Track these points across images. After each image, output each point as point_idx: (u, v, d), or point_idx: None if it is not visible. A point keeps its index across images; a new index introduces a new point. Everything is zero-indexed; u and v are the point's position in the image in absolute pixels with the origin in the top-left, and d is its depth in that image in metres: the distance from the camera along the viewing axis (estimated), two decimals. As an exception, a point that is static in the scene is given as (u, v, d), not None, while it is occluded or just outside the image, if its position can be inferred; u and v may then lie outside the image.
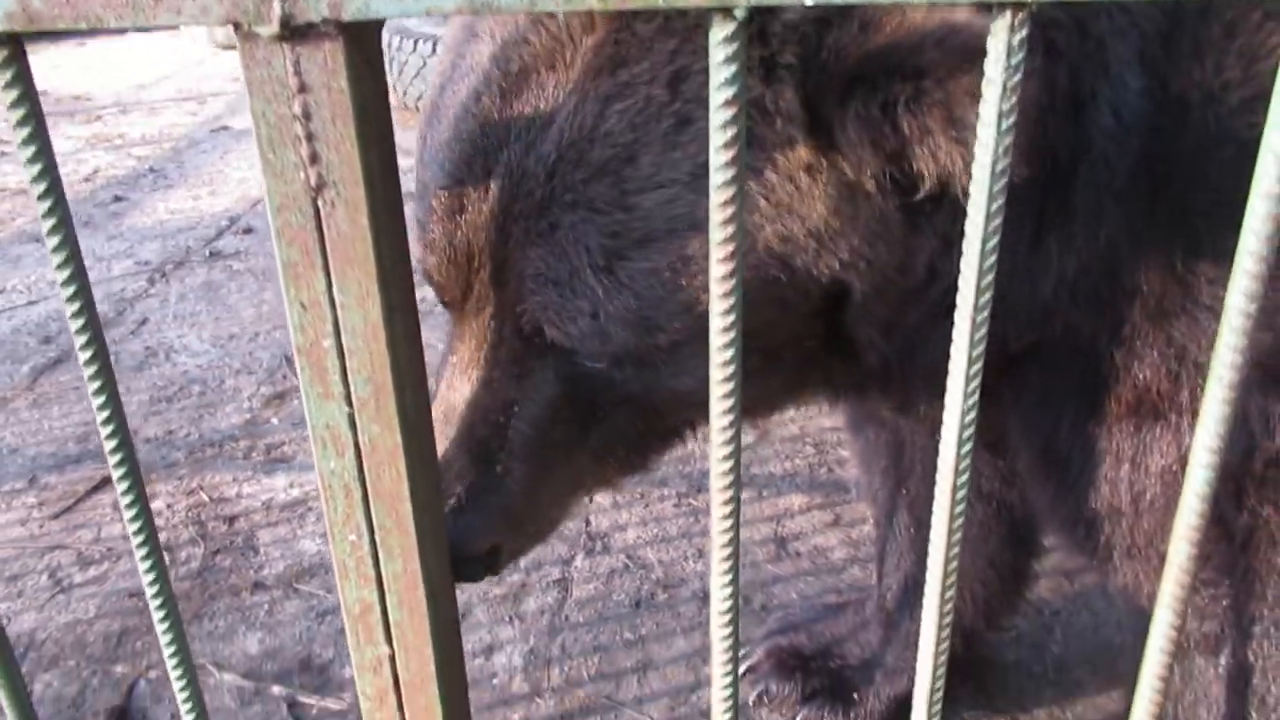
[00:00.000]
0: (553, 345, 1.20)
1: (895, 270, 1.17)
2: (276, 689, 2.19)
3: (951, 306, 0.94)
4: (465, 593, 2.50)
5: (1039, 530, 2.11)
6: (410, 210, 1.21)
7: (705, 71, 1.03)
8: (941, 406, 0.84)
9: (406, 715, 1.08)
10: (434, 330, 2.70)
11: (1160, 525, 1.34)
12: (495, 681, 2.22)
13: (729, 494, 0.91)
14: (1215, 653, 1.44)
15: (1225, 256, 1.24)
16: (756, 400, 1.26)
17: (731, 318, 0.80)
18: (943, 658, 1.01)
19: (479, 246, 1.17)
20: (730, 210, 0.71)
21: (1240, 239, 0.71)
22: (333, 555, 1.00)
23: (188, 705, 1.12)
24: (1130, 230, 1.21)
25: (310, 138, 0.81)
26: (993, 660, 2.23)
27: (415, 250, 1.24)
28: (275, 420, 3.27)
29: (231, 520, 2.78)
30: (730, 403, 0.85)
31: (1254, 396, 1.24)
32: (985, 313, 0.79)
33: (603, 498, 2.90)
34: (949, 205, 1.11)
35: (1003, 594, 2.14)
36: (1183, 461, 1.27)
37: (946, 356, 0.81)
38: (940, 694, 1.04)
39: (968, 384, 0.85)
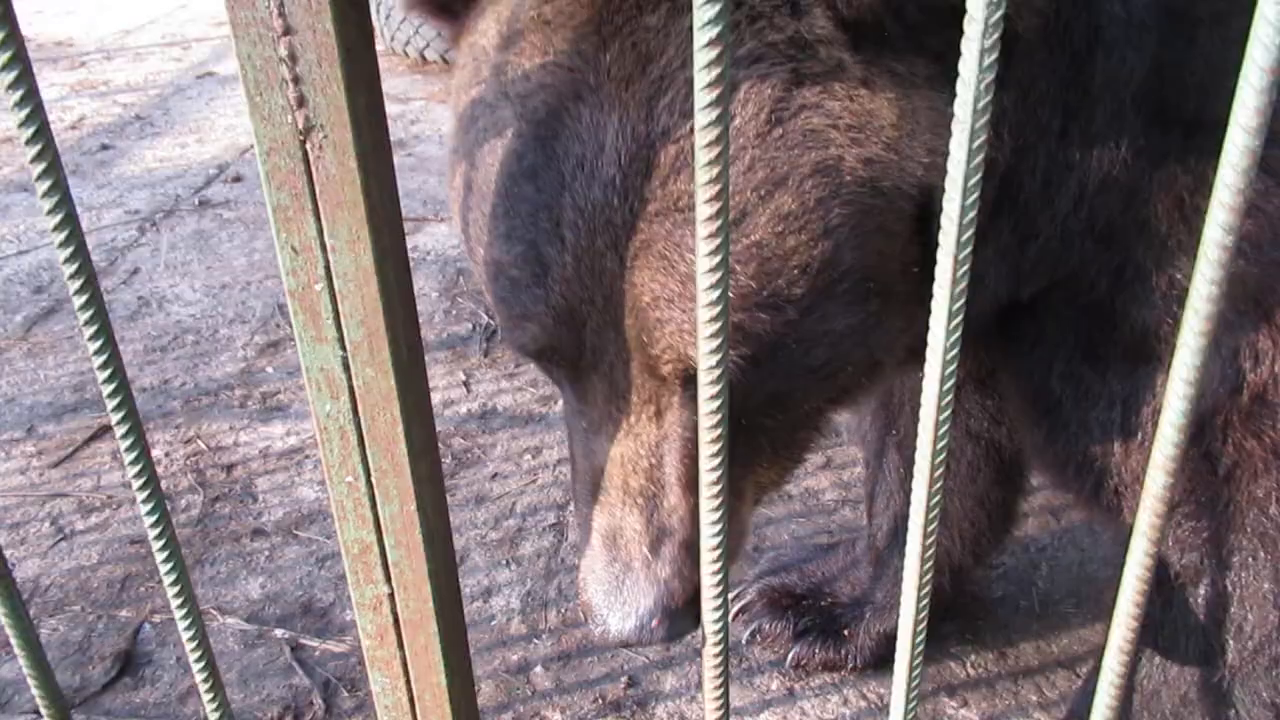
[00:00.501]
0: (686, 369, 1.13)
1: None
2: (279, 632, 2.23)
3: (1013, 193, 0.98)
4: (463, 537, 2.53)
5: (1026, 469, 2.14)
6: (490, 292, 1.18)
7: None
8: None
9: (407, 652, 1.11)
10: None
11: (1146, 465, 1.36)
12: (493, 624, 2.26)
13: (717, 433, 0.92)
14: (1195, 584, 1.47)
15: None
16: (883, 348, 1.24)
17: (719, 240, 0.81)
18: (926, 590, 1.03)
19: (579, 299, 1.11)
20: (716, 150, 0.72)
21: (1218, 172, 0.72)
22: (330, 497, 1.02)
23: (193, 645, 1.15)
24: (1148, 150, 1.20)
25: (297, 80, 0.81)
26: (980, 597, 2.27)
27: (510, 331, 1.18)
28: (270, 369, 3.28)
29: (230, 468, 2.81)
30: (717, 343, 0.86)
31: (1244, 331, 1.26)
32: (970, 232, 0.79)
33: (597, 442, 2.92)
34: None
35: (991, 532, 2.17)
36: None
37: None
38: (924, 626, 1.06)
39: (951, 303, 0.86)
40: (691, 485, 1.20)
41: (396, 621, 1.09)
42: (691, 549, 1.21)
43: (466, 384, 3.22)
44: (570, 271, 1.10)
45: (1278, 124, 0.73)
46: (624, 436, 1.21)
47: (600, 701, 2.05)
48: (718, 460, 0.88)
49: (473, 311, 3.68)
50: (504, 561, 2.45)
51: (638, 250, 1.06)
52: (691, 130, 1.04)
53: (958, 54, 0.69)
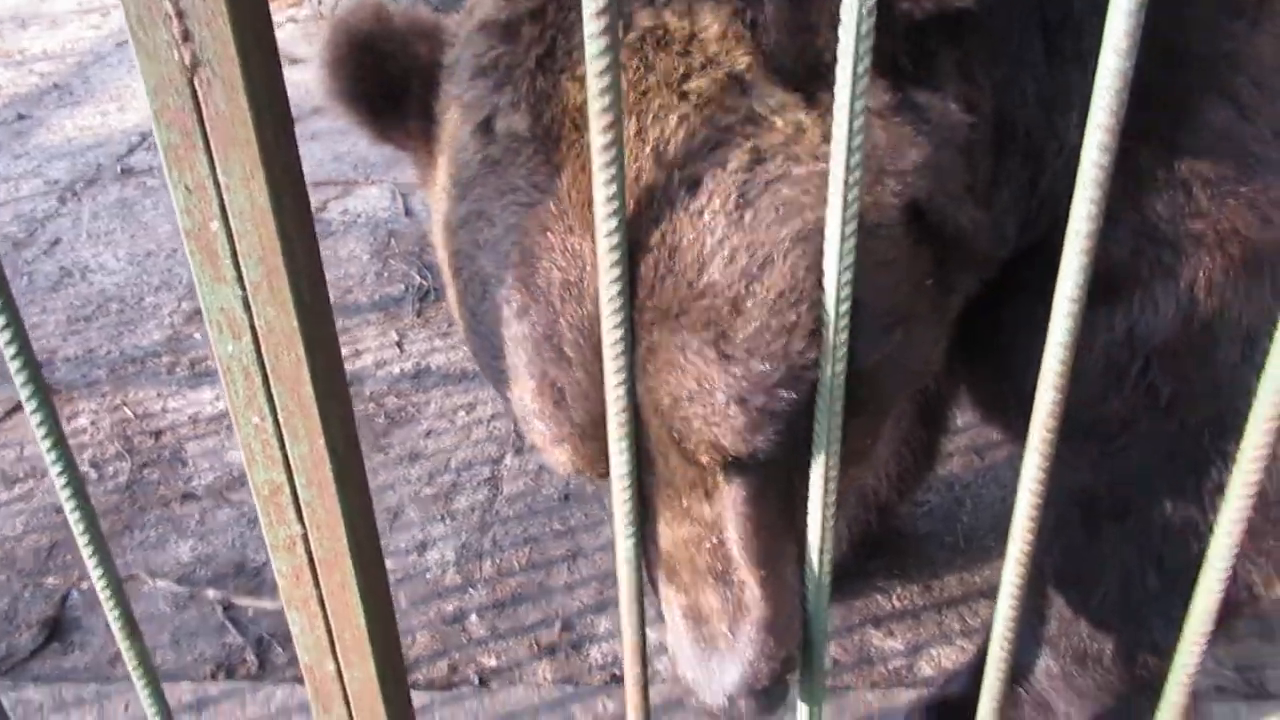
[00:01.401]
0: (724, 455, 1.11)
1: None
2: (211, 593, 2.22)
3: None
4: (397, 494, 2.54)
5: (951, 410, 2.20)
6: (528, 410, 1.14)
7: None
8: None
9: (323, 591, 1.12)
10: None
11: (1092, 397, 1.38)
12: (429, 576, 2.28)
13: (621, 391, 0.95)
14: (1123, 516, 1.52)
15: (1207, 130, 1.24)
16: (920, 364, 1.26)
17: (614, 190, 0.82)
18: (831, 510, 1.06)
19: (600, 411, 1.07)
20: (612, 153, 0.73)
21: (1093, 94, 0.75)
22: (238, 439, 1.03)
23: (113, 608, 1.15)
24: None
25: (181, 15, 0.81)
26: (907, 533, 2.34)
27: (547, 456, 1.17)
28: (198, 335, 3.23)
29: (158, 434, 2.78)
30: (620, 302, 0.88)
31: (1201, 262, 1.28)
32: (858, 155, 0.82)
33: (531, 398, 2.94)
34: None
35: (915, 470, 2.23)
36: (1128, 335, 1.33)
37: None
38: (829, 551, 1.10)
39: (843, 244, 0.89)
40: (757, 560, 1.19)
41: (312, 561, 1.10)
42: (771, 626, 1.19)
43: (400, 344, 3.21)
44: (585, 388, 1.09)
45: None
46: (682, 520, 1.20)
47: (535, 646, 2.08)
48: (623, 420, 0.90)
49: (405, 273, 3.65)
50: (439, 516, 2.46)
51: (644, 358, 1.06)
52: (664, 237, 1.03)
53: (905, 71, 0.70)
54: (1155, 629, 1.58)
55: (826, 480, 1.01)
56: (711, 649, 1.20)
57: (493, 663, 2.04)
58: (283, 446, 1.02)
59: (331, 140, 5.02)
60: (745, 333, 1.04)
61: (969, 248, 1.23)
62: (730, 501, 1.16)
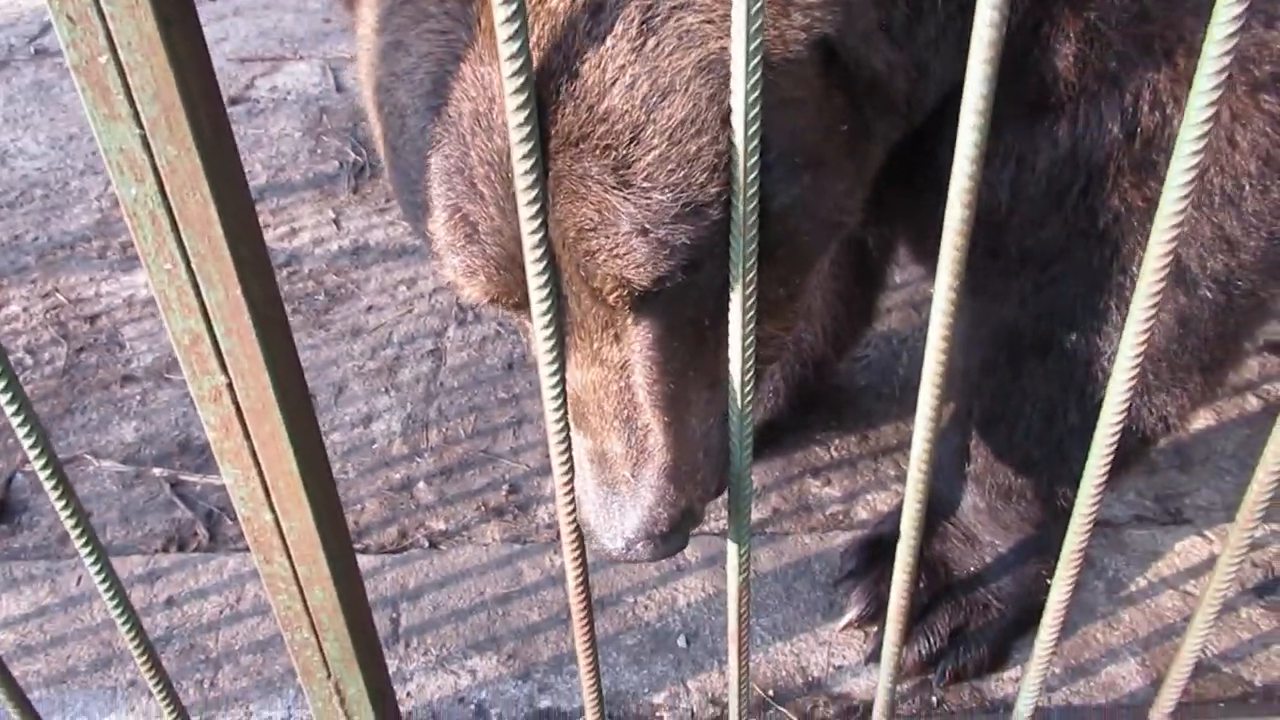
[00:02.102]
0: (630, 292, 1.11)
1: None
2: (157, 471, 2.22)
3: None
4: (340, 369, 2.54)
5: (887, 266, 2.21)
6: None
7: None
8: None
9: (254, 441, 1.12)
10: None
11: (1031, 221, 1.40)
12: (375, 447, 2.29)
13: (541, 267, 0.94)
14: (1045, 351, 1.54)
15: None
16: (835, 213, 1.22)
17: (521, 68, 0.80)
18: (750, 353, 1.07)
19: (513, 245, 1.09)
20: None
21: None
22: (153, 288, 1.01)
23: (53, 486, 1.14)
24: None
25: None
26: (845, 387, 2.38)
27: (461, 290, 1.16)
28: (128, 218, 3.15)
29: (93, 319, 2.73)
30: (526, 131, 0.87)
31: (1146, 73, 1.27)
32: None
33: (473, 271, 2.92)
34: None
35: (851, 326, 2.26)
36: (1071, 152, 1.32)
37: None
38: (750, 393, 1.12)
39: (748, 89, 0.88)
40: (662, 404, 1.20)
41: (239, 411, 1.10)
42: (671, 472, 1.21)
43: (336, 221, 3.16)
44: (497, 222, 1.09)
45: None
46: (592, 363, 1.20)
47: (483, 508, 2.12)
48: (546, 307, 0.90)
49: (339, 149, 3.57)
50: (383, 389, 2.47)
51: (551, 188, 1.05)
52: (568, 62, 1.01)
53: None
54: (1076, 462, 1.63)
55: (745, 321, 1.02)
56: (613, 494, 1.22)
57: (441, 526, 2.08)
58: (198, 293, 1.01)
59: (255, 15, 4.83)
60: (645, 161, 1.03)
61: (886, 92, 1.22)
62: (638, 344, 1.17)
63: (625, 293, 1.10)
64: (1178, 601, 1.89)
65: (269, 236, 3.08)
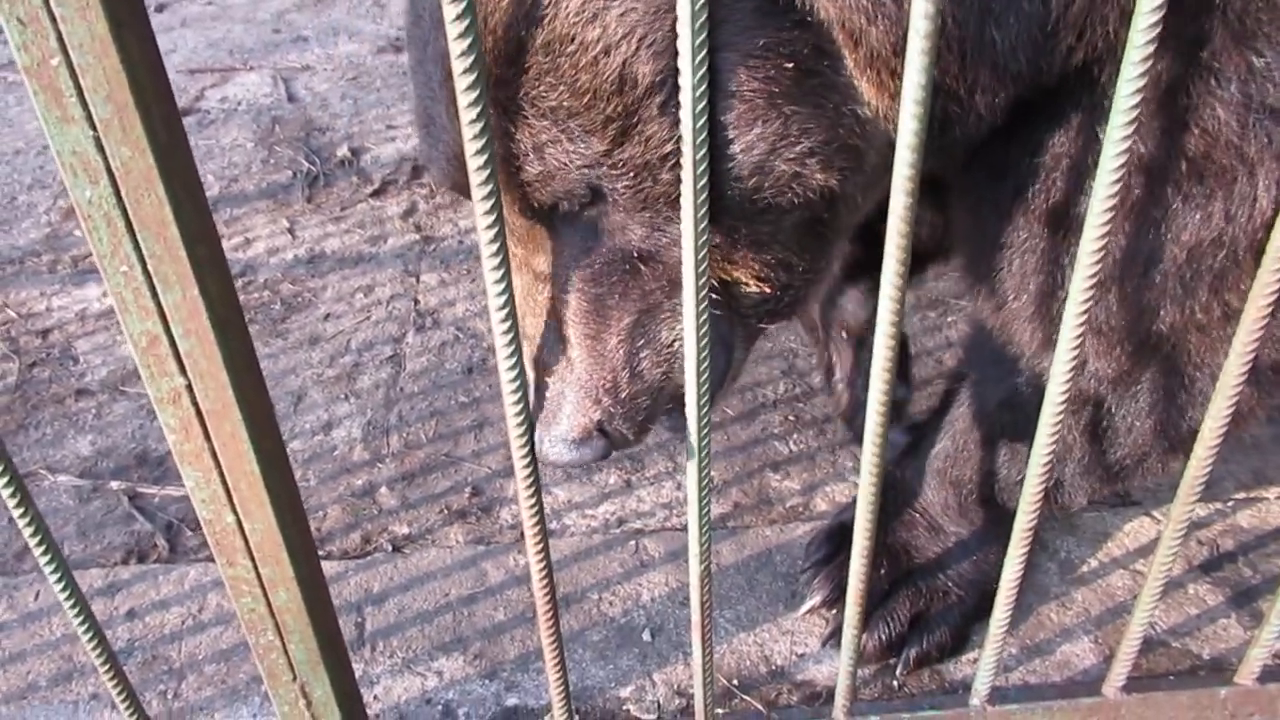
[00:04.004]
0: (554, 204, 1.17)
1: None
2: (115, 484, 2.20)
3: None
4: (299, 378, 2.53)
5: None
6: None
7: None
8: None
9: (214, 443, 1.13)
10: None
11: (1148, 306, 1.25)
12: (335, 454, 2.29)
13: (499, 275, 0.95)
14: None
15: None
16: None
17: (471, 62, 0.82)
18: (705, 376, 1.10)
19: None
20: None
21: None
22: (109, 291, 1.01)
23: (14, 501, 1.14)
24: None
25: None
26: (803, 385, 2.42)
27: (428, 174, 1.27)
28: (78, 232, 3.12)
29: (45, 333, 2.70)
30: (488, 187, 0.88)
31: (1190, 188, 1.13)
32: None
33: (430, 277, 2.92)
34: None
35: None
36: (1220, 233, 1.13)
37: None
38: (707, 394, 1.14)
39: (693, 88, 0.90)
40: (580, 321, 1.25)
41: (199, 413, 1.10)
42: (584, 384, 1.27)
43: (291, 230, 3.14)
44: (449, 119, 1.13)
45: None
46: (521, 269, 1.25)
47: (446, 511, 2.12)
48: (505, 313, 0.91)
49: (292, 158, 3.55)
50: (342, 396, 2.46)
51: (492, 94, 1.07)
52: None
53: None
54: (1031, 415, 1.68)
55: (697, 261, 1.02)
56: (538, 396, 1.31)
57: (405, 530, 2.08)
58: (155, 295, 1.01)
59: (204, 26, 4.80)
60: (532, 82, 1.07)
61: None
62: (558, 258, 1.23)
63: (531, 208, 1.17)
64: (1128, 580, 1.94)
65: (223, 248, 3.05)
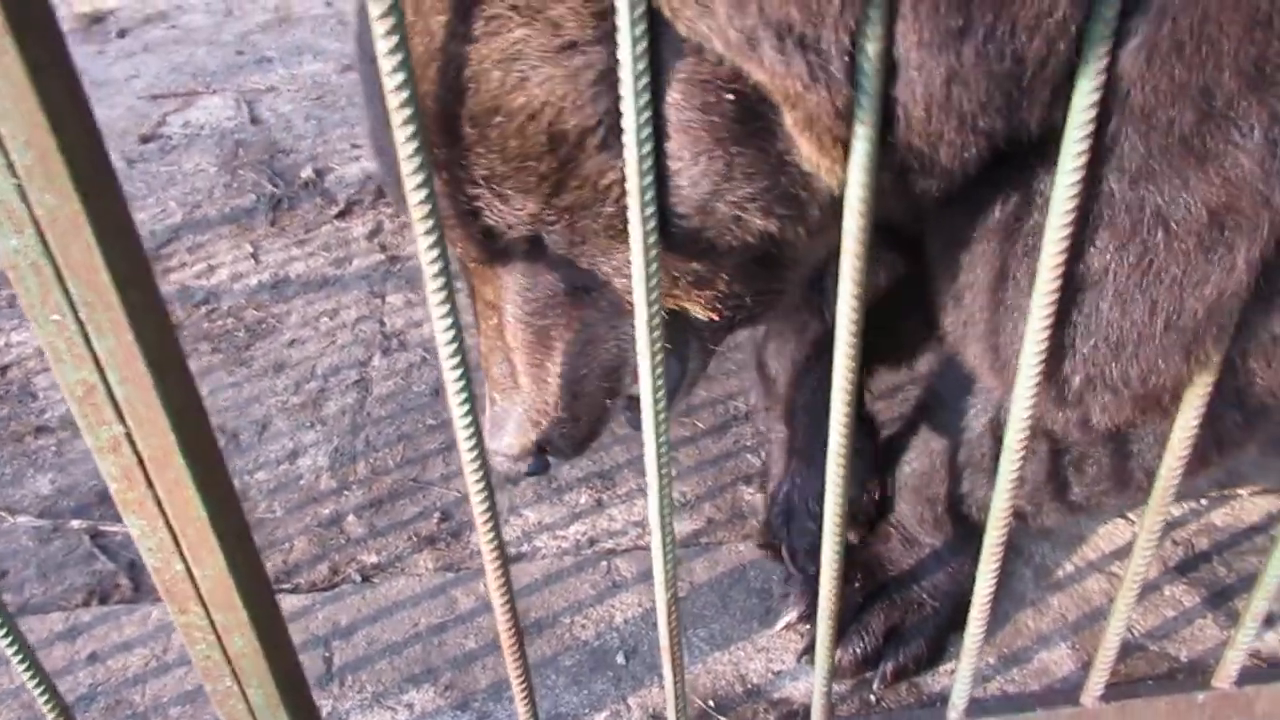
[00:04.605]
0: (501, 250, 1.21)
1: None
2: (76, 523, 2.16)
3: None
4: (264, 406, 2.49)
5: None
6: None
7: None
8: None
9: (158, 490, 1.10)
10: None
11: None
12: (301, 483, 2.25)
13: (442, 295, 0.93)
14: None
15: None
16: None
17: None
18: (658, 361, 1.08)
19: None
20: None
21: None
22: (41, 342, 0.98)
23: None
24: None
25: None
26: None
27: (385, 180, 1.29)
28: (37, 264, 3.07)
29: (3, 370, 2.65)
30: (424, 192, 0.86)
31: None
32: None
33: (396, 298, 2.89)
34: None
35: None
36: (1238, 286, 1.08)
37: None
38: (665, 426, 1.12)
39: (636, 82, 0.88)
40: (523, 347, 1.31)
41: (141, 461, 1.07)
42: (527, 405, 1.36)
43: (255, 255, 3.11)
44: (385, 142, 1.15)
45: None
46: (474, 296, 1.33)
47: (415, 538, 2.09)
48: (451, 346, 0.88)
49: (255, 182, 3.51)
50: (308, 423, 2.43)
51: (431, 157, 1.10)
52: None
53: None
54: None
55: (648, 290, 1.00)
56: (489, 413, 1.41)
57: (373, 559, 2.05)
58: (88, 343, 0.98)
59: (166, 50, 4.76)
60: (478, 150, 1.07)
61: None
62: (502, 289, 1.27)
63: (471, 252, 1.21)
64: (1104, 584, 1.94)
65: (185, 275, 3.02)
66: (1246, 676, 1.62)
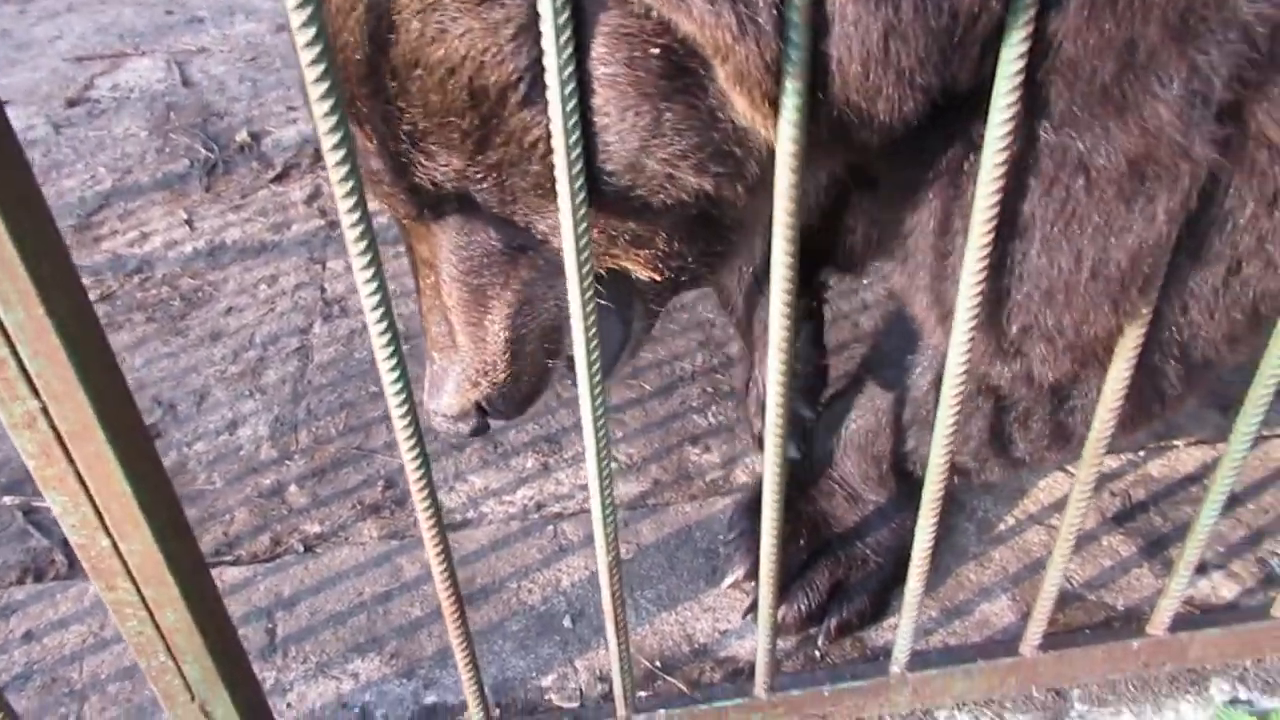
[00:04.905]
0: (404, 207, 1.19)
1: None
2: (8, 499, 2.11)
3: None
4: (201, 376, 2.44)
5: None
6: None
7: None
8: None
9: (79, 465, 1.06)
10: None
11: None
12: (242, 454, 2.21)
13: (370, 276, 0.90)
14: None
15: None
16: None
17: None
18: (593, 332, 1.06)
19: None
20: None
21: None
22: (-56, 314, 0.94)
23: None
24: None
25: None
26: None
27: None
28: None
29: (-72, 343, 2.56)
30: (344, 168, 0.83)
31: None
32: None
33: (337, 263, 2.84)
34: None
35: None
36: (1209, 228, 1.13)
37: None
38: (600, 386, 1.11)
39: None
40: (458, 306, 1.29)
41: (58, 435, 1.04)
42: (462, 365, 1.34)
43: (189, 222, 3.03)
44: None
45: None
46: (416, 261, 1.30)
47: (359, 507, 2.07)
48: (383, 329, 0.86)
49: (189, 147, 3.42)
50: (248, 392, 2.38)
51: (354, 111, 1.08)
52: None
53: None
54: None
55: (579, 249, 0.98)
56: (430, 368, 1.40)
57: (316, 529, 2.02)
58: (-4, 315, 0.94)
59: (92, 10, 4.61)
60: (399, 104, 1.04)
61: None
62: (436, 248, 1.25)
63: (401, 209, 1.18)
64: (1044, 536, 1.97)
65: (117, 243, 2.94)
66: (1180, 623, 1.66)
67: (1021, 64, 0.91)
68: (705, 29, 0.92)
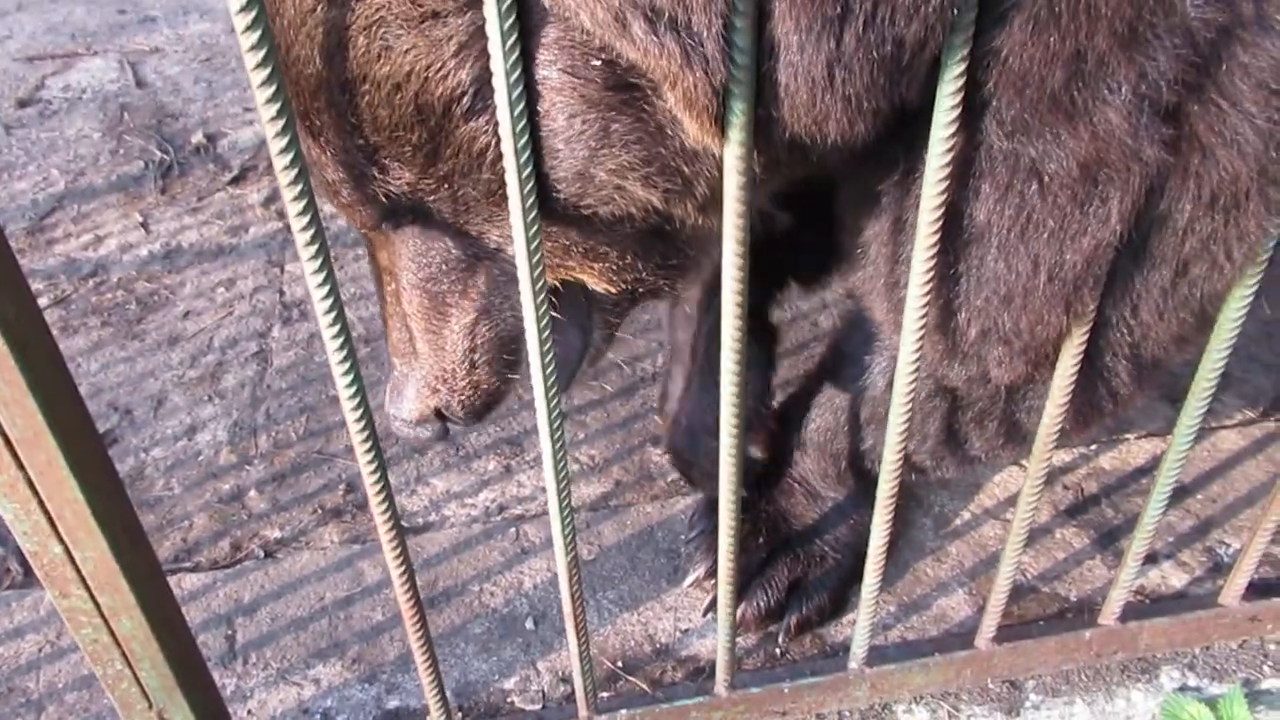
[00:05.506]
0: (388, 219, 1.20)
1: None
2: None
3: None
4: (158, 380, 2.41)
5: None
6: None
7: None
8: None
9: (30, 472, 1.05)
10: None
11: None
12: (200, 459, 2.20)
13: (322, 277, 0.91)
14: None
15: None
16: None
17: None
18: (546, 335, 1.07)
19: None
20: None
21: None
22: (-111, 320, 0.93)
23: None
24: None
25: None
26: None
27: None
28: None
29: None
30: (293, 174, 0.83)
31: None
32: None
33: (295, 266, 2.82)
34: None
35: None
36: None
37: None
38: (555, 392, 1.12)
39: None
40: (418, 314, 1.31)
41: (8, 442, 1.03)
42: (422, 372, 1.36)
43: (145, 225, 3.00)
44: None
45: None
46: (373, 260, 1.32)
47: (320, 511, 2.06)
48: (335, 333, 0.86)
49: (143, 148, 3.38)
50: (206, 397, 2.36)
51: (305, 124, 1.09)
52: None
53: None
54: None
55: (534, 279, 1.00)
56: (392, 374, 1.42)
57: (276, 534, 2.01)
58: (-59, 322, 0.93)
59: (42, 9, 4.53)
60: (350, 119, 1.05)
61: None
62: (395, 257, 1.26)
63: (359, 219, 1.20)
64: (999, 530, 2.00)
65: (71, 246, 2.90)
66: (1130, 612, 1.69)
67: (960, 83, 0.94)
68: (650, 58, 0.93)
